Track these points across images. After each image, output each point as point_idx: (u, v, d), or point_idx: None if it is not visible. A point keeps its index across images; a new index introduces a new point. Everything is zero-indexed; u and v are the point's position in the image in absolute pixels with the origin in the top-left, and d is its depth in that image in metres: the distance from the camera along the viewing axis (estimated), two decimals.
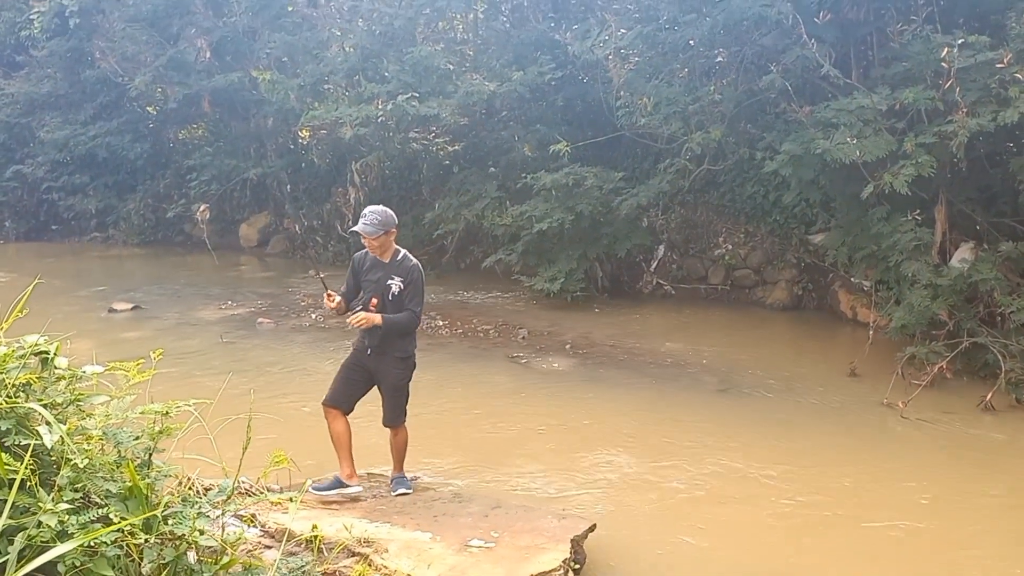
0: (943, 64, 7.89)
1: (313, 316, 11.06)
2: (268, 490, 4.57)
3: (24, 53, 19.53)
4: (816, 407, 7.62)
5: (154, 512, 2.53)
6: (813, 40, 8.87)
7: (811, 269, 11.33)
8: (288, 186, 17.35)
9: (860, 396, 7.82)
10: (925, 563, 4.96)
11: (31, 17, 18.39)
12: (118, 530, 2.40)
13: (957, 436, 6.93)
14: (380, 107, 12.83)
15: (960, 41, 7.87)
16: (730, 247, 12.19)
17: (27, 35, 19.09)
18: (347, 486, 5.10)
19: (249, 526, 4.26)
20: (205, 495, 3.79)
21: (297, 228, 17.23)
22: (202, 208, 16.74)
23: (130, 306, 11.85)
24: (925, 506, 5.63)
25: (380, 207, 5.11)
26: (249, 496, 4.24)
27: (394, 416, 5.18)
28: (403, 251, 5.17)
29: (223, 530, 3.03)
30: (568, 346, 9.66)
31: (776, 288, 11.60)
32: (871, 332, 8.90)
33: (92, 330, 10.50)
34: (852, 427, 7.14)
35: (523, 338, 10.03)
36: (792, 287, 11.48)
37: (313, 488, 5.01)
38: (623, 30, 10.83)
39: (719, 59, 10.98)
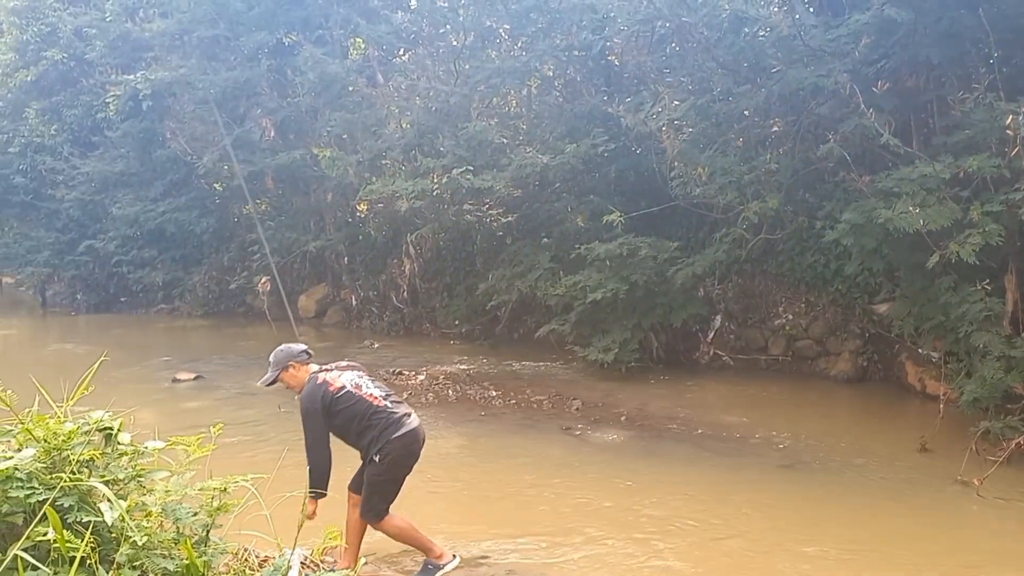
0: (1008, 131, 7.75)
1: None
2: (322, 561, 4.53)
3: (99, 134, 20.57)
4: (886, 485, 7.29)
5: None
6: (871, 109, 8.80)
7: (876, 340, 11.00)
8: (345, 258, 17.73)
9: (932, 473, 7.47)
10: None
11: (107, 100, 19.40)
12: None
13: None
14: (435, 180, 13.10)
15: None
16: (790, 317, 11.94)
17: (103, 117, 20.14)
18: (440, 567, 4.94)
19: None
20: (260, 568, 3.77)
21: (353, 299, 17.52)
22: (263, 280, 17.15)
23: (193, 376, 12.09)
24: None
25: (275, 349, 4.96)
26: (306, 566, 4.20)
27: (366, 511, 4.85)
28: (308, 384, 4.82)
29: None
30: (623, 418, 9.49)
31: (840, 359, 11.28)
32: (941, 406, 8.55)
33: (156, 400, 10.72)
34: (925, 507, 6.79)
35: (577, 409, 9.90)
36: (857, 358, 11.15)
37: None
38: (676, 102, 10.92)
39: (774, 129, 10.99)
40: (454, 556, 4.98)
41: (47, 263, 21.66)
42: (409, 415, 4.83)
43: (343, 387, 4.75)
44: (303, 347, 4.95)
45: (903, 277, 9.87)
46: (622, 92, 12.89)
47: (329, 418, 4.71)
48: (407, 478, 4.92)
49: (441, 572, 4.87)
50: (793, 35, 9.58)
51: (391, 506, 4.87)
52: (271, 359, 4.86)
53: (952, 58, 9.16)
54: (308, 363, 4.90)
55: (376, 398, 4.77)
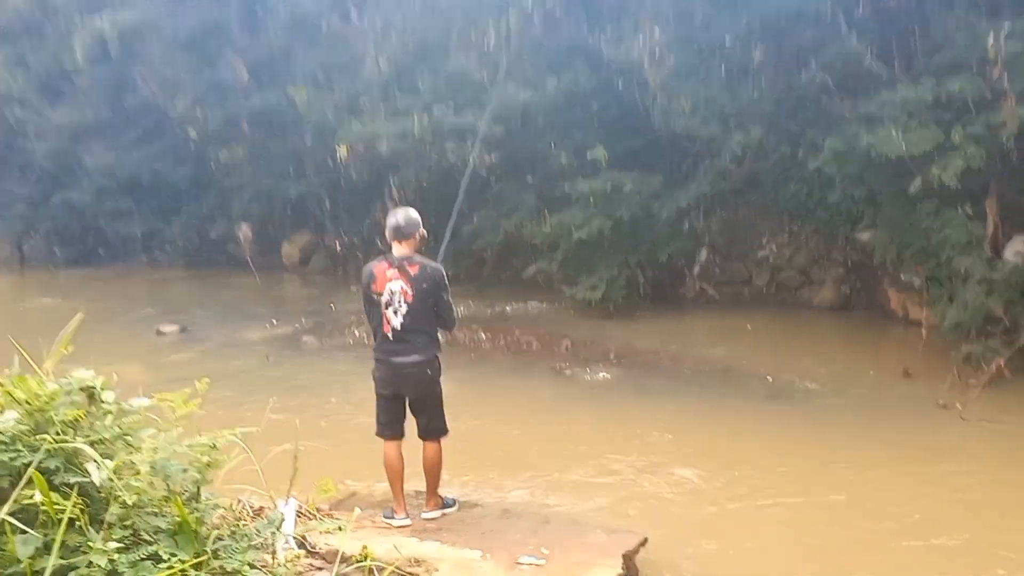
0: (990, 52, 7.66)
1: (356, 333, 11.10)
2: (317, 511, 4.56)
3: (68, 81, 20.00)
4: (870, 411, 7.41)
5: (203, 548, 2.51)
6: (853, 32, 8.68)
7: (859, 268, 11.07)
8: (328, 203, 17.51)
9: (916, 398, 7.60)
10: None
11: (73, 46, 18.81)
12: (168, 567, 2.39)
13: (1019, 437, 6.67)
14: (415, 121, 12.87)
15: (1007, 28, 7.63)
16: (774, 248, 11.97)
17: (71, 63, 19.54)
18: (391, 516, 4.96)
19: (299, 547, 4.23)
20: (254, 519, 3.79)
21: (338, 245, 17.38)
22: (244, 228, 16.96)
23: (176, 328, 12.01)
24: (992, 514, 5.42)
25: (409, 213, 4.89)
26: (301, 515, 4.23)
27: None
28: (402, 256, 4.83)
29: (273, 558, 3.01)
30: (612, 356, 9.55)
31: (823, 288, 11.36)
32: (924, 331, 8.68)
33: (140, 353, 10.66)
34: (909, 431, 6.92)
35: (566, 349, 9.95)
36: (839, 287, 11.23)
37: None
38: (657, 32, 10.72)
39: (757, 57, 10.82)
40: (407, 516, 4.93)
41: (22, 217, 21.25)
42: (398, 352, 4.77)
43: (379, 291, 4.74)
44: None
45: (885, 203, 9.87)
46: (602, 24, 12.62)
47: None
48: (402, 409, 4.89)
49: (387, 520, 4.86)
50: None
51: (391, 436, 4.87)
52: (413, 217, 4.81)
53: None
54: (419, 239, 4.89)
55: (388, 323, 4.74)
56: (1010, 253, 8.44)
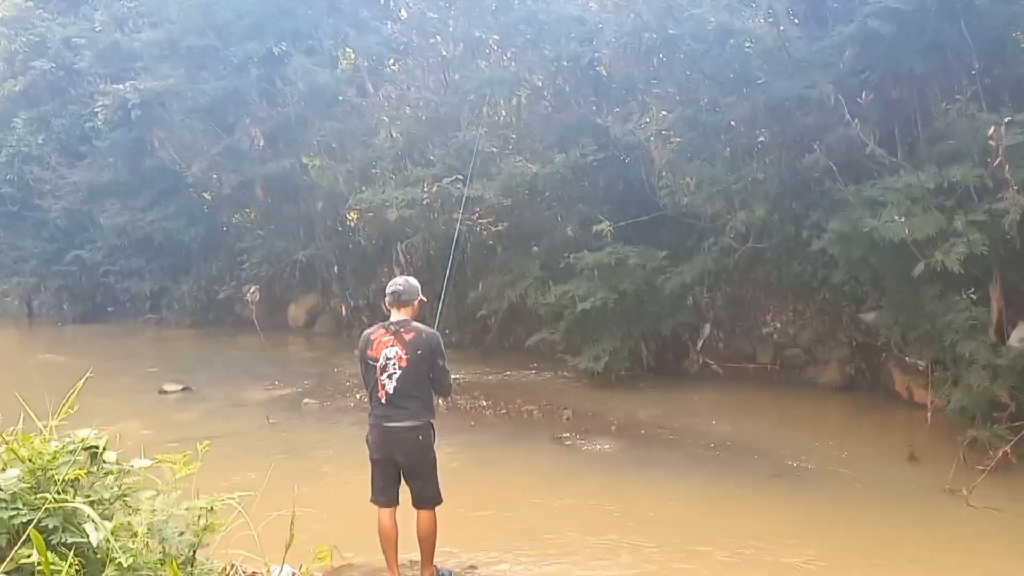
0: (990, 142, 7.80)
1: (357, 396, 11.09)
2: None
3: (88, 144, 20.47)
4: (876, 493, 7.32)
5: None
6: (856, 119, 8.87)
7: (863, 348, 11.05)
8: (336, 267, 17.70)
9: (921, 482, 7.51)
10: None
11: (95, 110, 19.33)
12: None
13: None
14: (425, 189, 13.10)
15: (1007, 119, 7.79)
16: (778, 325, 12.00)
17: (91, 126, 20.04)
18: None
19: None
20: None
21: (343, 308, 17.51)
22: (252, 289, 17.10)
23: (180, 387, 12.03)
24: None
25: (408, 281, 5.03)
26: None
27: None
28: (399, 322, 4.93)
29: None
30: (614, 427, 9.51)
31: (828, 367, 11.33)
32: (929, 414, 8.62)
33: (143, 412, 10.67)
34: (916, 516, 6.83)
35: (568, 419, 9.91)
36: (844, 366, 11.20)
37: None
38: (664, 112, 10.98)
39: (761, 139, 11.04)
40: None
41: (34, 273, 21.54)
42: (391, 417, 4.78)
43: (375, 356, 4.80)
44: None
45: (889, 286, 9.93)
46: (611, 102, 12.93)
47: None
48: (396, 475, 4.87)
49: None
50: (778, 47, 9.66)
51: (385, 503, 4.85)
52: (412, 285, 4.95)
53: (935, 69, 9.24)
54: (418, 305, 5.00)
55: (382, 388, 4.77)
56: (1015, 339, 8.43)
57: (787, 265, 11.64)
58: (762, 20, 9.95)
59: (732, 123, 11.11)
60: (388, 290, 4.96)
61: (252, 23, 17.30)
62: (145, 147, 19.39)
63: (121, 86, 18.53)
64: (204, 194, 20.26)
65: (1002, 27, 9.00)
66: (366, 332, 4.99)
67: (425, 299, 5.08)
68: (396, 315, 4.90)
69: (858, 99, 9.05)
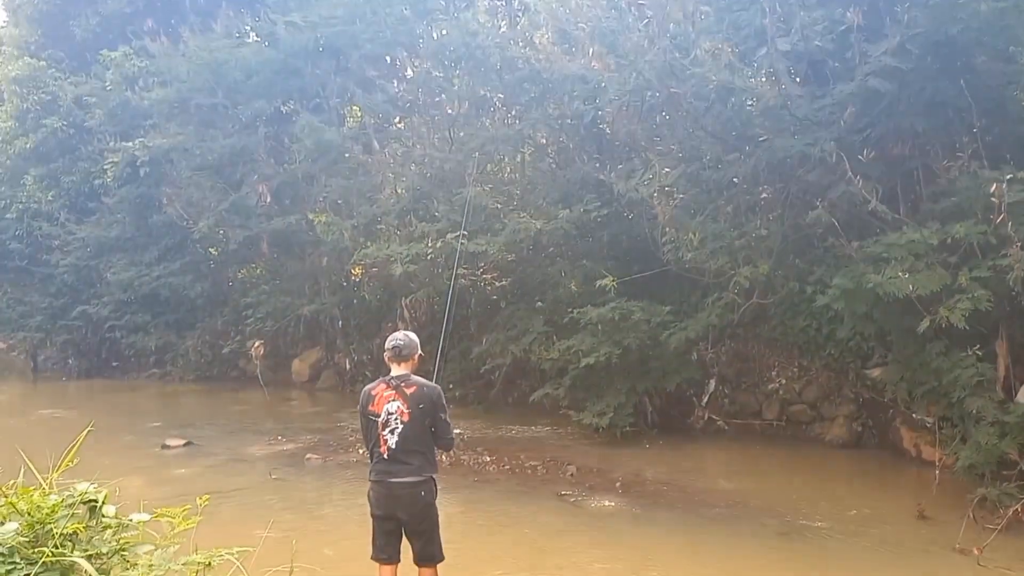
0: (993, 199, 7.86)
1: (360, 451, 11.00)
2: None
3: (96, 200, 20.71)
4: (885, 553, 7.18)
5: None
6: (858, 176, 8.94)
7: (870, 405, 10.97)
8: (340, 322, 17.74)
9: (931, 541, 7.38)
10: None
11: (105, 167, 19.61)
12: None
13: None
14: (430, 245, 13.20)
15: (1009, 176, 7.86)
16: (784, 381, 11.93)
17: (100, 183, 20.32)
18: None
19: None
20: None
21: (347, 363, 17.49)
22: (256, 344, 17.11)
23: (182, 442, 11.95)
24: None
25: (409, 336, 5.06)
26: None
27: None
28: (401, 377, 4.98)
29: None
30: (618, 484, 9.38)
31: (834, 424, 11.23)
32: (937, 472, 8.51)
33: (144, 467, 10.59)
34: None
35: (571, 475, 9.79)
36: (851, 423, 11.10)
37: None
38: (667, 169, 11.10)
39: (763, 195, 11.14)
40: None
41: (39, 328, 21.59)
42: (393, 473, 4.75)
43: (376, 412, 4.79)
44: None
45: (895, 342, 9.90)
46: (614, 159, 13.11)
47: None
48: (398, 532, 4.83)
49: None
50: (780, 105, 9.80)
51: (386, 561, 4.82)
52: (412, 340, 4.98)
53: (936, 127, 9.36)
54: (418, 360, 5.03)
55: (384, 443, 4.74)
56: (1022, 396, 8.38)
57: (792, 321, 11.64)
58: (763, 78, 10.11)
59: (735, 180, 11.22)
60: (388, 345, 4.96)
61: (260, 82, 17.64)
62: (153, 203, 19.61)
63: (130, 143, 18.86)
64: (210, 249, 20.43)
65: (1002, 86, 9.14)
66: (367, 387, 4.98)
67: (423, 354, 5.09)
68: (396, 370, 4.90)
69: (860, 156, 9.16)
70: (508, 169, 16.32)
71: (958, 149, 8.83)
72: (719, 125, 10.96)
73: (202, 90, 18.10)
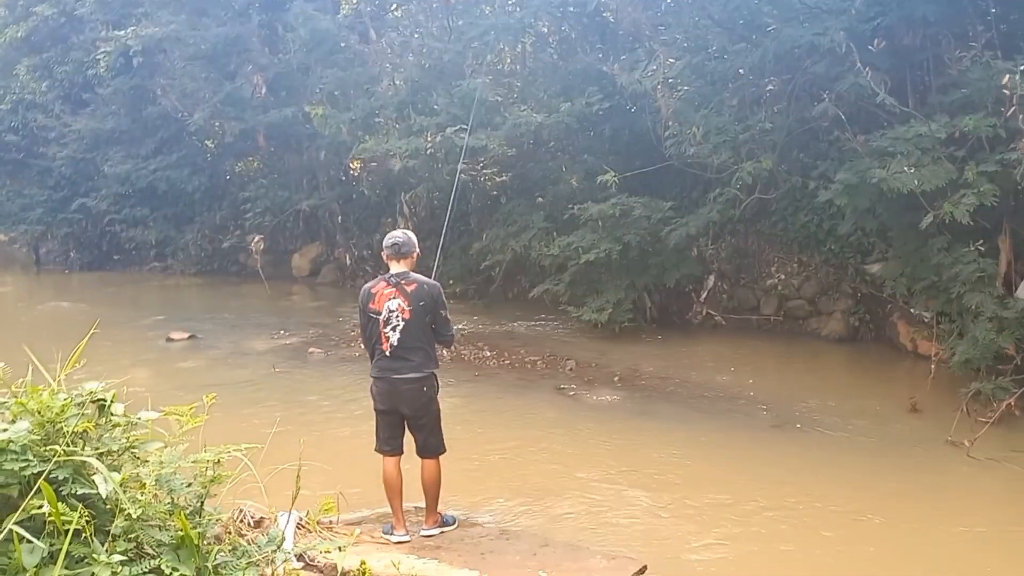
0: (1004, 91, 7.68)
1: (362, 346, 11.15)
2: (317, 524, 4.59)
3: (91, 91, 20.30)
4: (876, 444, 7.38)
5: (205, 563, 2.55)
6: (867, 67, 8.70)
7: (868, 300, 11.05)
8: (339, 217, 17.67)
9: (922, 433, 7.56)
10: None
11: (97, 57, 19.11)
12: None
13: None
14: (429, 139, 12.98)
15: (1023, 67, 7.65)
16: (783, 277, 11.98)
17: (94, 74, 19.83)
18: (390, 532, 5.01)
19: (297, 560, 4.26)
20: (254, 528, 3.82)
21: (347, 258, 17.52)
22: (256, 239, 17.10)
23: (186, 335, 12.11)
24: (997, 554, 5.39)
25: (408, 234, 5.05)
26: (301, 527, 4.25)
27: None
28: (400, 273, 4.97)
29: (273, 573, 3.04)
30: (616, 378, 9.56)
31: (831, 319, 11.34)
32: (933, 366, 8.61)
33: (150, 359, 10.76)
34: (915, 467, 6.89)
35: (571, 370, 9.97)
36: (848, 318, 11.20)
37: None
38: (671, 60, 10.80)
39: (770, 88, 10.89)
40: (406, 532, 4.97)
41: (40, 221, 21.55)
42: (396, 370, 4.82)
43: (377, 310, 4.82)
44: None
45: (896, 237, 9.86)
46: (617, 50, 12.74)
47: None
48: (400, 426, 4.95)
49: (386, 536, 4.91)
50: None
51: (390, 452, 4.94)
52: (411, 237, 4.97)
53: (949, 16, 9.03)
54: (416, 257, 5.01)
55: (386, 340, 4.80)
56: (1022, 291, 8.41)
57: (793, 216, 11.58)
58: None
59: (740, 71, 10.93)
60: (387, 243, 4.96)
61: None
62: (147, 95, 19.25)
63: (122, 32, 18.28)
64: (207, 142, 20.15)
65: None
66: (366, 286, 5.00)
67: (421, 251, 5.09)
68: (396, 267, 4.90)
69: (869, 47, 8.89)
70: (508, 60, 15.89)
71: (971, 39, 8.56)
72: (726, 13, 10.61)
73: None
